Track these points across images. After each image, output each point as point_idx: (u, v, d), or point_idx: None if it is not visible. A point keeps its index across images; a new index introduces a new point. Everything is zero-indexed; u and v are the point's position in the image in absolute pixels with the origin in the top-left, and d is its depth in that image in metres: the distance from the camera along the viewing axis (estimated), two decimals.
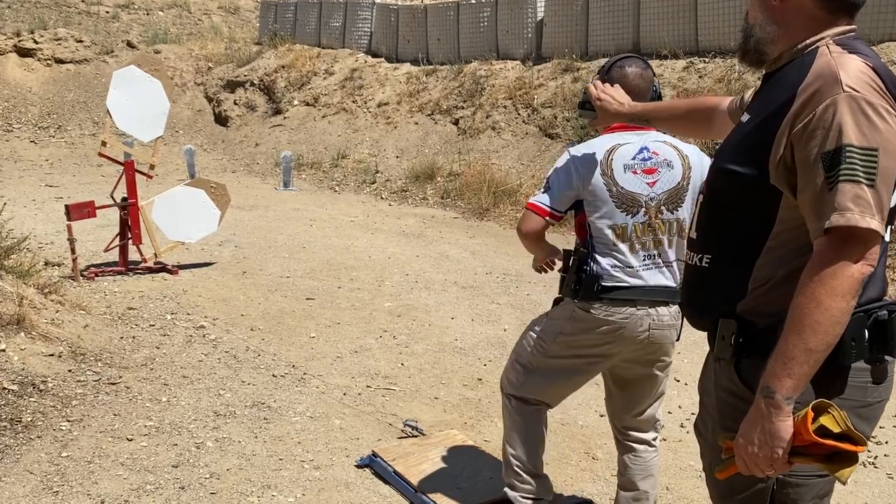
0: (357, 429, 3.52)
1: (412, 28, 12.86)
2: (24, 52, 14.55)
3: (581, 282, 2.34)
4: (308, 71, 13.85)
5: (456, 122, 11.33)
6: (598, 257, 2.33)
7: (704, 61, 9.21)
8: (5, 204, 5.09)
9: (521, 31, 11.28)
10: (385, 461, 3.09)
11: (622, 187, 2.30)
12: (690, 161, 2.40)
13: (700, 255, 1.66)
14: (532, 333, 2.52)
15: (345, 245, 7.51)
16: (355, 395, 3.93)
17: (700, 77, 9.11)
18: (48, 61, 14.62)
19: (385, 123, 12.16)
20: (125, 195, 6.10)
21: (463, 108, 11.38)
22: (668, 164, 2.36)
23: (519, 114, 10.57)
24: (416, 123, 11.79)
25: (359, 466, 3.15)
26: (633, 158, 2.32)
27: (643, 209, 2.32)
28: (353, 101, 12.87)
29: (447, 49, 12.26)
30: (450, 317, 5.31)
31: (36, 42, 14.71)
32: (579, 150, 2.36)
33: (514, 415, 2.53)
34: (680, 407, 3.90)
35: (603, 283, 2.31)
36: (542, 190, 2.39)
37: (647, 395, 2.53)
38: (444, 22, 12.32)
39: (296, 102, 13.59)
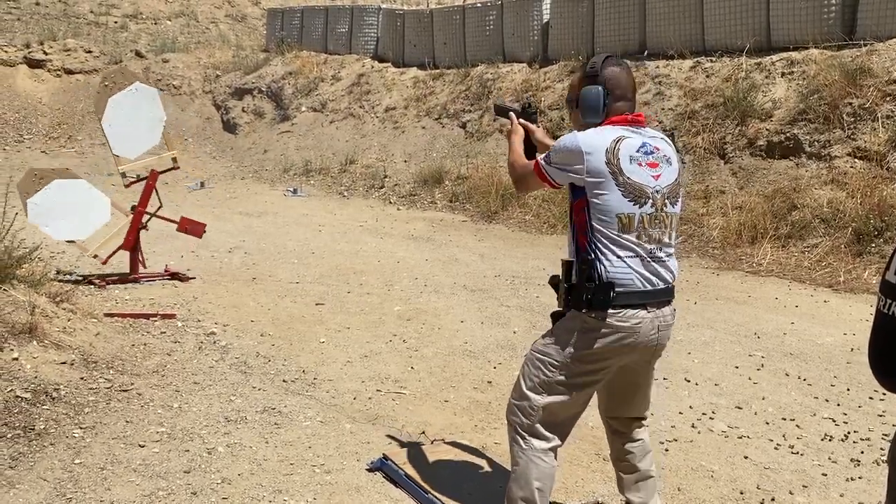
0: (367, 433, 3.53)
1: (418, 33, 12.90)
2: (34, 64, 14.69)
3: (593, 291, 2.26)
4: (315, 77, 13.90)
5: (463, 126, 11.34)
6: (604, 259, 2.28)
7: (711, 60, 9.19)
8: (17, 214, 5.12)
9: (527, 33, 11.29)
10: (396, 464, 3.09)
11: (628, 177, 2.27)
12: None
13: None
14: (536, 355, 2.42)
15: (354, 250, 7.53)
16: (365, 399, 3.93)
17: (707, 76, 9.08)
18: (58, 72, 14.75)
19: (392, 128, 12.19)
20: (134, 203, 6.13)
21: (470, 111, 11.39)
22: (668, 159, 2.37)
23: None
24: (424, 128, 11.81)
25: (370, 470, 3.15)
26: (638, 151, 2.31)
27: (650, 200, 2.30)
28: (361, 107, 12.90)
29: (453, 53, 12.28)
30: (459, 320, 5.31)
31: (45, 53, 14.85)
32: (587, 134, 2.33)
33: (529, 456, 2.41)
34: (691, 407, 3.88)
35: (616, 290, 2.25)
36: (544, 160, 2.39)
37: (645, 387, 2.57)
38: (449, 26, 12.34)
39: (303, 109, 13.64)
